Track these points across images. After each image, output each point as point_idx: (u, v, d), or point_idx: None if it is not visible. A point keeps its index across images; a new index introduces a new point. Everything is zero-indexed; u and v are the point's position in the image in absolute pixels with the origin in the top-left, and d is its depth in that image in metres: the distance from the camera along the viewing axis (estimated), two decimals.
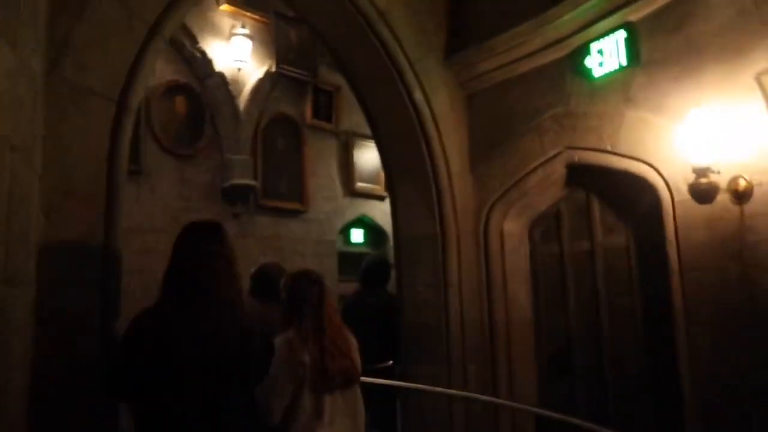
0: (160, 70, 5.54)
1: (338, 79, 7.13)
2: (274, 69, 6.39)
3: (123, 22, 2.23)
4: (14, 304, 1.47)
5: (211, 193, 5.81)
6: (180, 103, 5.67)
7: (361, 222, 7.45)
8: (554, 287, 3.72)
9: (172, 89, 5.60)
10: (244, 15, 6.25)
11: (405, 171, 3.80)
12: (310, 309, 2.35)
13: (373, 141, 7.46)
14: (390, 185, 3.92)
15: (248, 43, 6.10)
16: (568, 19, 3.38)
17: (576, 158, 3.43)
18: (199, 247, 2.13)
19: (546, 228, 3.82)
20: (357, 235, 7.45)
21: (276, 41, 6.45)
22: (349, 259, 7.25)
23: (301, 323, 2.31)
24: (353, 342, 2.45)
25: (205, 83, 5.85)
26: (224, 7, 6.06)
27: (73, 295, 2.04)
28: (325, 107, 7.08)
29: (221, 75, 5.87)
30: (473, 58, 3.82)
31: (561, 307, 3.67)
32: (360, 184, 7.31)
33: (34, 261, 1.76)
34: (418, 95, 3.67)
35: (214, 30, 6.00)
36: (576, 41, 3.45)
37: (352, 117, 7.28)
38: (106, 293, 2.19)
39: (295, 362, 2.21)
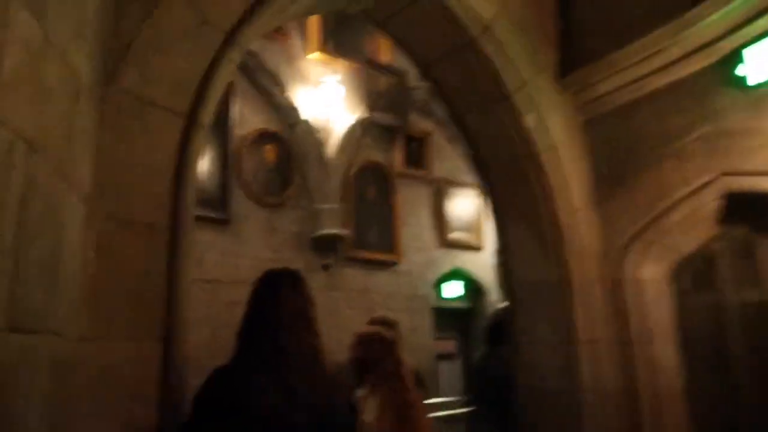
0: (249, 119, 5.45)
1: (429, 126, 6.84)
2: (364, 116, 6.16)
3: (194, 28, 1.95)
4: (26, 358, 1.09)
5: (300, 244, 5.53)
6: (269, 151, 5.52)
7: (456, 274, 6.91)
8: (711, 347, 2.99)
9: (262, 137, 5.47)
10: (334, 62, 6.12)
11: (517, 208, 3.28)
12: (387, 374, 2.30)
13: (467, 188, 7.14)
14: (500, 226, 3.40)
15: (338, 90, 5.93)
16: (714, 20, 2.83)
17: (735, 186, 2.79)
18: (277, 297, 1.93)
19: (696, 274, 3.13)
20: (452, 289, 6.89)
21: (366, 88, 6.25)
22: (444, 315, 6.70)
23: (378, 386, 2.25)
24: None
25: (294, 131, 5.70)
26: (313, 54, 5.96)
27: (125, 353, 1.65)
28: (416, 154, 6.75)
29: (310, 122, 5.70)
30: (591, 76, 3.31)
31: (722, 373, 2.93)
32: (454, 234, 6.82)
33: (67, 304, 1.39)
34: (528, 121, 3.19)
35: (303, 77, 5.89)
36: (724, 47, 2.87)
37: (444, 164, 6.91)
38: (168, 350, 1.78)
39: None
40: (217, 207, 5.03)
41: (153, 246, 1.79)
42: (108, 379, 1.60)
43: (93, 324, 1.57)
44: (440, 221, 6.75)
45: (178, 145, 1.90)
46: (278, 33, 5.77)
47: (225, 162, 5.13)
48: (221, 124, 5.20)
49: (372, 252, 6.02)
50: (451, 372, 6.76)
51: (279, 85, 5.62)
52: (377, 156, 6.37)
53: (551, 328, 3.03)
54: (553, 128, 3.30)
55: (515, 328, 3.16)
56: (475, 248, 7.03)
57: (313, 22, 6.02)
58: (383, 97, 6.42)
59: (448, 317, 6.79)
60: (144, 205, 1.79)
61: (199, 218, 4.94)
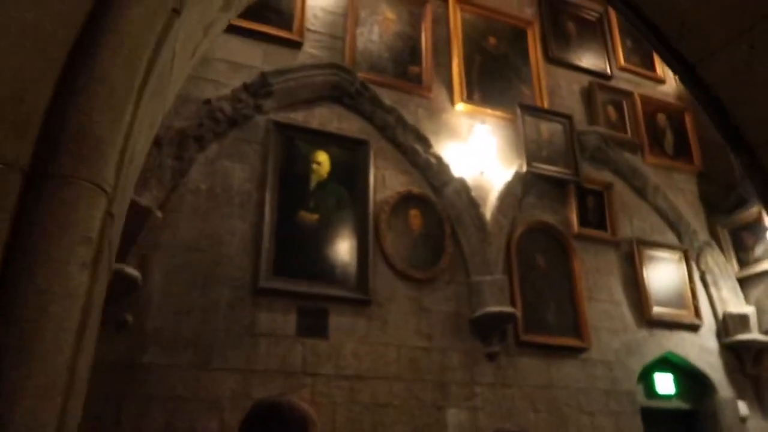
0: (390, 182, 4.68)
1: (607, 176, 5.57)
2: (524, 169, 5.12)
3: None
4: None
5: (458, 327, 4.44)
6: (414, 216, 4.66)
7: (666, 363, 5.25)
8: None
9: (405, 201, 4.64)
10: (483, 113, 5.27)
11: None
12: None
13: (668, 250, 5.60)
14: None
15: (491, 143, 5.01)
16: None
17: None
18: None
19: None
20: (664, 383, 5.20)
21: (524, 137, 5.26)
22: (657, 418, 5.02)
23: None
24: None
25: (442, 192, 4.81)
26: (459, 106, 5.17)
27: None
28: (595, 211, 5.46)
29: (461, 181, 4.79)
30: None
31: None
32: (658, 309, 5.26)
33: None
34: None
35: (450, 132, 5.08)
36: None
37: (633, 221, 5.52)
38: None
39: None
40: (355, 285, 4.20)
41: None
42: None
43: None
44: (638, 293, 5.26)
45: None
46: (417, 86, 5.09)
47: (363, 232, 4.36)
48: (358, 188, 4.49)
49: (551, 335, 4.72)
50: None
51: (422, 141, 4.85)
52: (545, 216, 5.20)
53: None
54: None
55: None
56: (690, 327, 5.36)
57: (456, 72, 5.29)
58: (546, 147, 5.36)
59: (664, 421, 5.09)
60: None
61: (334, 300, 4.19)
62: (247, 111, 4.35)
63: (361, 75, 4.81)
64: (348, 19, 5.07)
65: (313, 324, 4.02)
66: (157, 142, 3.87)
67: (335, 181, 4.48)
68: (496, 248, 4.71)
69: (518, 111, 5.36)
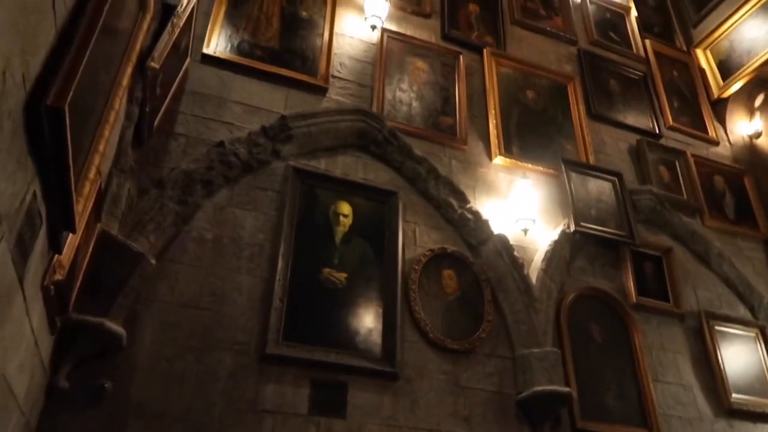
0: (422, 238, 4.14)
1: (665, 241, 4.95)
2: (571, 228, 4.54)
3: None
4: None
5: (501, 410, 3.70)
6: (449, 278, 4.06)
7: None
8: None
9: (439, 260, 4.06)
10: (523, 167, 4.78)
11: None
12: None
13: (742, 326, 4.82)
14: None
15: (534, 198, 4.48)
16: None
17: None
18: None
19: None
20: None
21: (570, 194, 4.72)
22: None
23: None
24: None
25: (480, 251, 4.23)
26: (498, 160, 4.69)
27: None
28: (655, 278, 4.79)
29: (502, 239, 4.22)
30: None
31: None
32: (738, 397, 4.43)
33: None
34: None
35: (487, 186, 4.58)
36: None
37: (699, 292, 4.83)
38: None
39: None
40: (380, 356, 3.56)
41: None
42: None
43: None
44: (712, 376, 4.46)
45: None
46: (451, 137, 4.67)
47: (390, 294, 3.76)
48: (385, 245, 3.95)
49: (613, 424, 3.92)
50: None
51: (457, 194, 4.34)
52: (598, 282, 4.55)
53: None
54: None
55: None
56: None
57: (492, 124, 4.87)
58: (594, 206, 4.80)
59: None
60: None
61: (355, 371, 3.53)
62: (264, 156, 3.93)
63: (389, 123, 4.41)
64: (376, 67, 4.75)
65: (329, 400, 3.35)
66: (159, 182, 3.44)
67: (359, 236, 3.96)
68: (544, 316, 4.04)
69: (562, 166, 4.86)
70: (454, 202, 4.32)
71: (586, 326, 4.26)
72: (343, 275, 3.73)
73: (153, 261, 3.16)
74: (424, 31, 5.25)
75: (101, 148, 2.36)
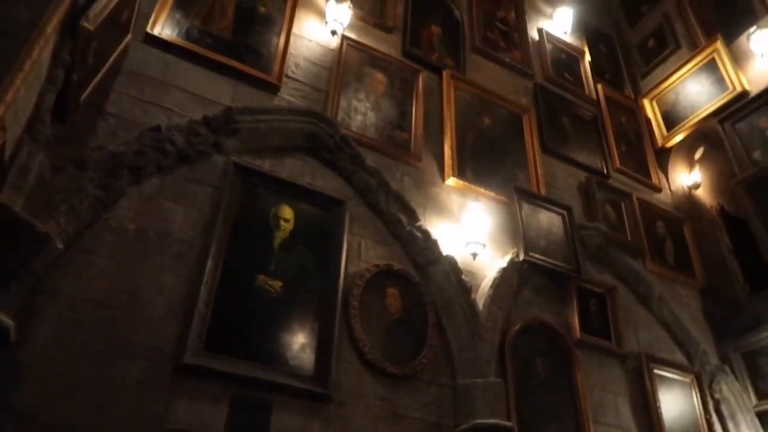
0: (367, 252, 3.87)
1: (609, 279, 4.91)
2: (520, 257, 4.40)
3: None
4: None
5: None
6: (392, 297, 3.79)
7: None
8: None
9: (383, 277, 3.80)
10: (476, 191, 4.64)
11: None
12: None
13: (679, 372, 4.77)
14: None
15: (485, 222, 4.32)
16: None
17: None
18: None
19: None
20: None
21: (521, 223, 4.60)
22: None
23: None
24: None
25: (428, 272, 4.00)
26: (451, 181, 4.53)
27: None
28: (598, 316, 4.70)
29: (451, 261, 4.02)
30: None
31: None
32: None
33: None
34: None
35: (439, 207, 4.40)
36: None
37: (640, 333, 4.78)
38: None
39: None
40: (311, 374, 3.22)
41: None
42: None
43: None
44: (650, 421, 4.35)
45: None
46: (405, 152, 4.48)
47: (329, 309, 3.45)
48: (328, 256, 3.66)
49: None
50: None
51: (408, 211, 4.12)
52: (544, 314, 4.40)
53: None
54: None
55: None
56: None
57: (447, 145, 4.73)
58: (544, 237, 4.70)
59: None
60: None
61: (282, 390, 3.13)
62: (204, 147, 3.59)
63: (342, 131, 4.17)
64: (333, 73, 4.53)
65: (251, 421, 2.97)
66: (80, 162, 3.03)
67: (300, 244, 3.65)
68: (489, 345, 3.83)
69: (514, 194, 4.74)
70: (404, 219, 4.09)
71: (530, 359, 4.07)
72: (278, 283, 3.40)
73: (60, 246, 2.73)
74: (385, 45, 5.10)
75: (8, 97, 1.99)
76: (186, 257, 3.23)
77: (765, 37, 5.61)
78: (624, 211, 5.60)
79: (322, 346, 3.32)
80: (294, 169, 3.91)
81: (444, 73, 5.21)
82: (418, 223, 4.12)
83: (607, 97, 6.53)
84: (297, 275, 3.51)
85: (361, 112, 4.49)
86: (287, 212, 3.70)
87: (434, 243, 4.07)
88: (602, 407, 4.22)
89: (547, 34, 6.61)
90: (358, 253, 3.84)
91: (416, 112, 4.77)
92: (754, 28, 5.77)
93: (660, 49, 7.02)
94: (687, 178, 6.43)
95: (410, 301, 3.82)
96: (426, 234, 4.09)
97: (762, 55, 5.63)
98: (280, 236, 3.59)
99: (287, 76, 4.30)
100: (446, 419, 3.51)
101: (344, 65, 4.62)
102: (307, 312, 3.40)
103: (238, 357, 3.07)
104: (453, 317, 3.85)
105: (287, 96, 4.21)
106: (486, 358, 3.74)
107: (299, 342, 3.30)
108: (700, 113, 6.22)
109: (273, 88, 4.15)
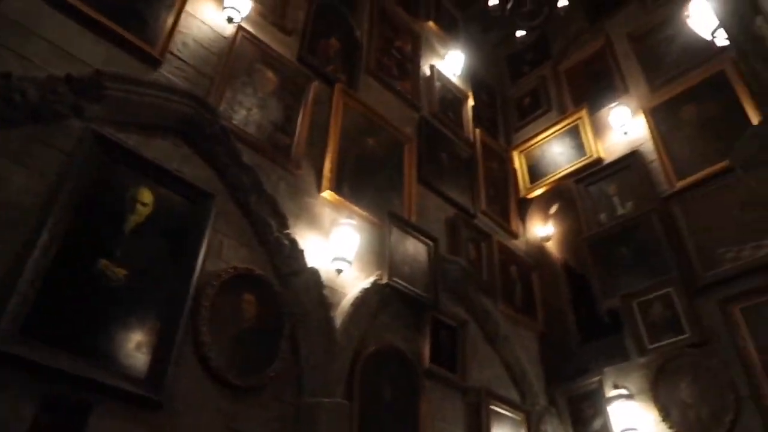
0: (228, 252, 3.64)
1: (461, 313, 5.08)
2: (383, 280, 4.41)
3: None
4: None
5: None
6: (248, 303, 3.58)
7: None
8: None
9: (241, 281, 3.58)
10: (350, 208, 4.60)
11: None
12: None
13: (513, 410, 5.03)
14: None
15: (354, 241, 4.27)
16: None
17: None
18: None
19: None
20: None
21: (389, 247, 4.62)
22: None
23: None
24: None
25: (289, 282, 3.84)
26: (327, 194, 4.45)
27: None
28: (448, 348, 4.82)
29: (314, 274, 3.90)
30: None
31: None
32: None
33: None
34: None
35: (311, 218, 4.28)
36: None
37: (483, 369, 4.96)
38: None
39: None
40: (143, 376, 2.90)
41: None
42: None
43: None
44: None
45: None
46: (285, 157, 4.33)
47: (176, 306, 3.16)
48: (185, 249, 3.37)
49: None
50: None
51: (278, 217, 3.95)
52: (398, 340, 4.42)
53: None
54: None
55: None
56: None
57: (329, 158, 4.66)
58: (409, 264, 4.75)
59: None
60: None
61: (105, 391, 2.73)
62: (61, 108, 3.16)
63: (222, 122, 3.93)
64: (223, 61, 4.28)
65: (62, 423, 2.59)
66: None
67: (155, 232, 3.33)
68: (341, 365, 3.74)
69: (387, 218, 4.77)
70: (273, 224, 3.91)
71: (378, 383, 4.04)
72: (122, 271, 3.06)
73: None
74: (281, 46, 4.94)
75: None
76: (19, 228, 2.79)
77: (622, 113, 6.27)
78: (484, 251, 5.86)
79: (162, 346, 3.02)
80: (162, 151, 3.59)
81: (336, 86, 5.15)
82: (287, 231, 3.96)
83: (483, 142, 6.87)
84: (146, 265, 3.19)
85: (245, 106, 4.28)
86: (146, 196, 3.37)
87: (300, 253, 3.93)
88: None
89: (438, 72, 6.85)
90: (219, 251, 3.59)
91: (303, 119, 4.64)
92: (615, 103, 6.42)
93: (534, 108, 7.58)
94: (541, 229, 6.92)
95: (267, 310, 3.63)
96: (293, 243, 3.95)
97: (619, 128, 6.27)
98: (134, 220, 3.25)
99: (171, 53, 3.98)
100: None
101: (236, 55, 4.38)
102: (151, 307, 3.08)
103: (61, 348, 2.68)
104: (309, 331, 3.72)
105: (167, 73, 3.89)
106: (336, 378, 3.65)
107: (136, 339, 2.97)
108: (560, 172, 6.74)
109: (153, 62, 3.81)
